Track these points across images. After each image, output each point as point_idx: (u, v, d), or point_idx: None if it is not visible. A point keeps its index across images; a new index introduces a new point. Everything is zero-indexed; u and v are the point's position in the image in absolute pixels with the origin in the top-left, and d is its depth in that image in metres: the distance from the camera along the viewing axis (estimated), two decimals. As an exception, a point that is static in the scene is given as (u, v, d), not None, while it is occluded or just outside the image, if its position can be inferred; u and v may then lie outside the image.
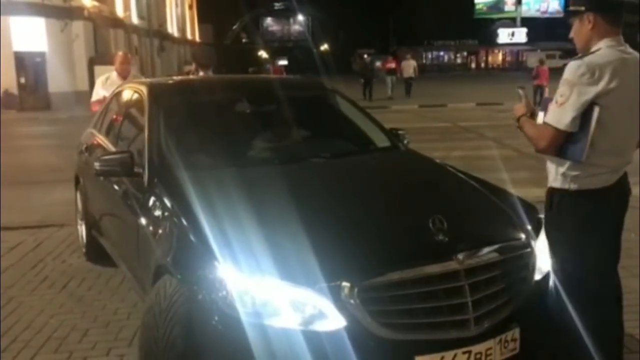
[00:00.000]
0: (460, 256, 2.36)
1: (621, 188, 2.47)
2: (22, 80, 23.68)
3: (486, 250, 2.48)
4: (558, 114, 2.34)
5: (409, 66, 24.09)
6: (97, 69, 22.12)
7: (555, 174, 2.47)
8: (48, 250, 5.18)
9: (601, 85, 2.28)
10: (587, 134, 2.31)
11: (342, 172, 3.37)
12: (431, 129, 13.78)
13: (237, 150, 3.50)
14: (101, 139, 4.48)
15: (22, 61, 23.51)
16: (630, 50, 2.43)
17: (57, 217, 6.10)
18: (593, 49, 2.38)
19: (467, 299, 2.29)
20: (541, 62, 18.81)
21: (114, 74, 6.29)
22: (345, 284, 2.21)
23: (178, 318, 2.35)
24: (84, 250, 4.96)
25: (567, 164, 2.40)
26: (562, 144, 2.36)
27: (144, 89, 3.89)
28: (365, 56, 26.25)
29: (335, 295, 2.19)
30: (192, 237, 2.53)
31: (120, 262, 3.82)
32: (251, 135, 3.68)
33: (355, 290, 2.20)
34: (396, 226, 2.63)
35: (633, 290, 3.95)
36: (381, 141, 3.98)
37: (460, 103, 20.47)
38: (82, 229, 4.92)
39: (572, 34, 2.49)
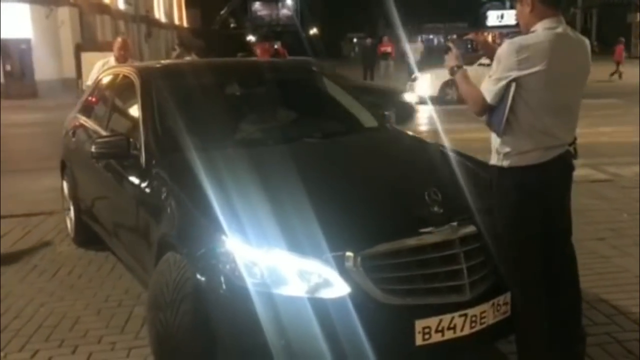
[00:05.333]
0: (454, 225, 2.48)
1: (559, 165, 2.53)
2: (8, 67, 23.35)
3: (480, 219, 2.59)
4: (486, 86, 2.49)
5: (416, 50, 22.48)
6: (84, 55, 21.86)
7: (492, 150, 2.59)
8: (37, 238, 5.12)
9: (524, 66, 2.39)
10: (505, 109, 2.43)
11: (337, 150, 3.46)
12: (422, 112, 13.74)
13: (231, 131, 3.54)
14: (89, 123, 4.43)
15: (7, 48, 23.14)
16: (571, 32, 2.52)
17: (45, 204, 6.03)
18: (531, 30, 2.49)
19: (462, 266, 2.43)
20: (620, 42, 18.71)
21: (111, 59, 6.21)
22: (349, 253, 2.31)
23: (186, 292, 2.42)
24: (72, 236, 4.92)
25: (499, 140, 2.51)
26: (489, 115, 2.51)
27: (134, 72, 3.87)
28: (368, 40, 24.46)
29: (340, 265, 2.29)
30: (196, 213, 2.62)
31: (117, 245, 3.82)
32: (243, 116, 3.72)
33: (359, 259, 2.30)
34: (394, 199, 2.74)
35: (626, 269, 3.98)
36: (369, 121, 4.05)
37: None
38: (71, 215, 4.87)
39: (516, 17, 2.62)
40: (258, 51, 6.54)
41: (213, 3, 56.66)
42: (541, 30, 2.45)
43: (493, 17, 64.48)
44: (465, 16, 65.63)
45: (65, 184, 5.04)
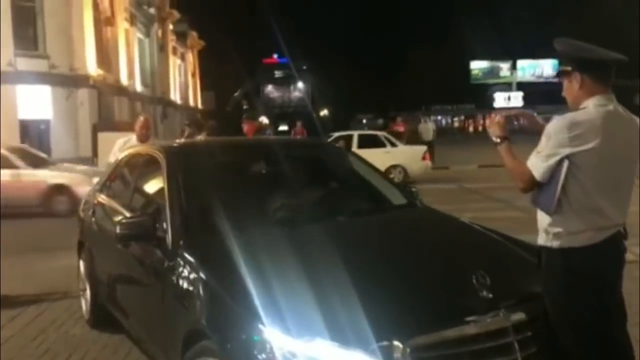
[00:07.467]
0: (507, 312, 2.34)
1: (611, 247, 2.41)
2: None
3: (531, 304, 2.45)
4: (535, 162, 2.42)
5: (428, 129, 22.46)
6: (100, 135, 22.36)
7: (540, 230, 2.48)
8: (50, 320, 4.95)
9: (576, 143, 2.32)
10: (556, 187, 2.35)
11: (372, 230, 3.33)
12: (436, 190, 13.68)
13: (260, 211, 3.44)
14: (111, 203, 4.36)
15: (26, 129, 23.74)
16: (621, 110, 2.46)
17: (59, 284, 5.89)
18: (581, 107, 2.43)
19: (517, 355, 2.27)
20: None
21: (133, 138, 6.22)
22: (397, 343, 2.16)
23: None
24: (87, 318, 4.75)
25: (548, 220, 2.41)
26: (537, 192, 2.43)
27: (159, 152, 3.82)
28: (380, 120, 25.46)
29: (387, 356, 2.15)
30: (229, 299, 2.46)
31: (137, 330, 3.66)
32: (272, 196, 3.63)
33: (408, 350, 2.15)
34: (441, 283, 2.59)
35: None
36: (397, 198, 3.96)
37: (463, 165, 20.52)
38: (87, 296, 4.72)
39: (564, 93, 2.56)
40: (245, 128, 6.39)
41: (227, 86, 58.55)
42: (592, 107, 2.40)
43: (500, 99, 65.86)
44: (473, 98, 67.09)
45: (82, 264, 4.92)
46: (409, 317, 2.27)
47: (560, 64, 2.56)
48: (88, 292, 4.68)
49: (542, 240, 2.48)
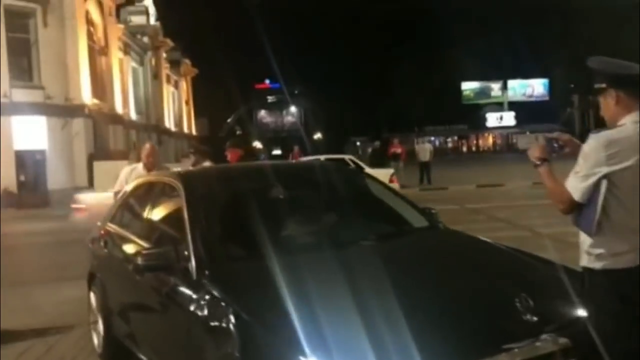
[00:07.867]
0: (554, 335, 2.29)
1: None
2: (22, 178, 23.74)
3: (575, 328, 2.39)
4: (573, 182, 2.36)
5: (425, 150, 22.74)
6: (96, 164, 22.32)
7: (582, 251, 2.42)
8: (59, 355, 4.81)
9: (613, 161, 2.27)
10: (596, 208, 2.30)
11: (401, 253, 3.26)
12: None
13: (281, 237, 3.36)
14: (126, 234, 4.26)
15: (22, 160, 23.65)
16: None
17: (66, 317, 5.75)
18: (618, 124, 2.38)
19: None
20: None
21: (139, 166, 6.15)
22: None
23: None
24: (99, 352, 4.62)
25: (590, 241, 2.36)
26: (577, 214, 2.37)
27: (176, 180, 3.75)
28: (377, 142, 25.85)
29: None
30: (263, 329, 2.36)
31: None
32: (292, 221, 3.57)
33: None
34: (485, 308, 2.52)
35: None
36: (418, 220, 3.88)
37: (461, 185, 20.50)
38: (99, 329, 4.60)
39: (601, 112, 2.50)
40: (229, 156, 6.25)
41: (220, 112, 58.83)
42: (630, 123, 2.36)
43: (493, 119, 66.34)
44: (465, 118, 67.49)
45: (92, 296, 4.81)
46: (458, 345, 2.21)
47: (594, 81, 2.52)
48: (100, 325, 4.56)
49: (584, 262, 2.42)
